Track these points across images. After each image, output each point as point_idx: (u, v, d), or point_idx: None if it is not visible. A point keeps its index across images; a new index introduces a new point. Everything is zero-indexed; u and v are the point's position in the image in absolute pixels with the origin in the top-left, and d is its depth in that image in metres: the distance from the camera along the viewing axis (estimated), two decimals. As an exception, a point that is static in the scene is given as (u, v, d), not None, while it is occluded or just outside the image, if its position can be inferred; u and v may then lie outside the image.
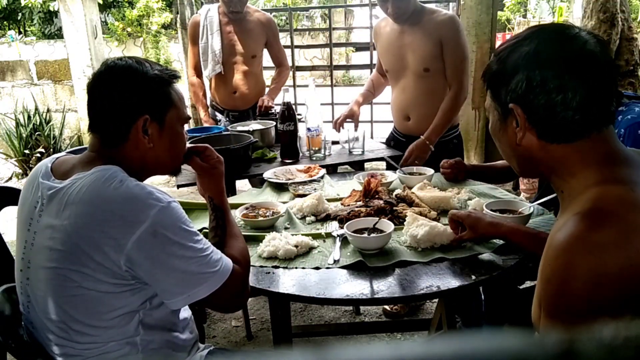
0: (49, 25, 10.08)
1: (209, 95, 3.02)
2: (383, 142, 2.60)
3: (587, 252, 0.71)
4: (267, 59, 3.07)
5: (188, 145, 1.29)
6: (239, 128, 2.56)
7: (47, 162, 1.15)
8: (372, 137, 4.22)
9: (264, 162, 2.31)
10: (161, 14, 8.36)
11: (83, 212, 1.00)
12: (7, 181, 5.19)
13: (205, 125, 2.84)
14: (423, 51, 2.23)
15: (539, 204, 1.58)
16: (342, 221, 1.52)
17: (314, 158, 2.31)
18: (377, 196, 1.66)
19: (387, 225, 1.40)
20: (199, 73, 2.93)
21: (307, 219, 1.62)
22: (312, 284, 1.24)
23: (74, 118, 5.55)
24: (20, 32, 9.88)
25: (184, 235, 1.03)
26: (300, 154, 2.35)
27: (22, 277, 1.12)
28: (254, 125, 2.61)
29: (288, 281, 1.26)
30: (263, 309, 2.57)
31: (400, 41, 2.27)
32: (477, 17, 4.03)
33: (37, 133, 5.16)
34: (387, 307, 2.45)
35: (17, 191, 1.36)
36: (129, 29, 8.68)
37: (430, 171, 1.91)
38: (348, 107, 2.49)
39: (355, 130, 2.39)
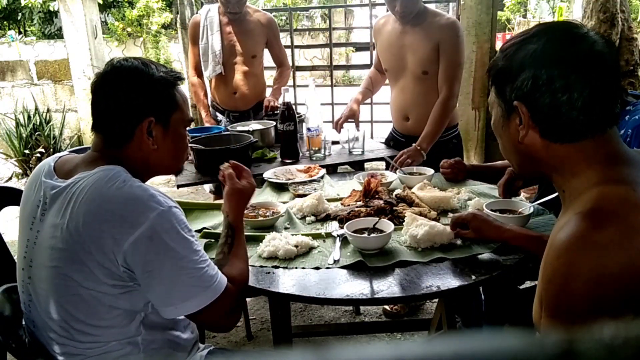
0: (49, 25, 10.08)
1: (209, 95, 3.02)
2: (383, 142, 2.61)
3: (588, 252, 0.71)
4: (267, 59, 3.06)
5: (233, 162, 1.32)
6: (239, 128, 2.56)
7: (49, 161, 1.15)
8: (372, 137, 4.22)
9: (264, 162, 2.31)
10: (161, 14, 8.37)
11: (85, 211, 1.00)
12: (7, 181, 5.19)
13: (207, 125, 2.84)
14: (422, 54, 2.23)
15: (539, 204, 1.58)
16: (342, 221, 1.52)
17: (314, 158, 2.31)
18: (377, 196, 1.66)
19: (387, 225, 1.40)
20: (199, 73, 2.93)
21: (307, 219, 1.62)
22: (312, 284, 1.24)
23: (74, 118, 5.55)
24: (20, 32, 9.89)
25: (182, 243, 1.02)
26: (300, 154, 2.35)
27: (24, 276, 1.12)
28: (254, 125, 2.62)
29: (288, 281, 1.26)
30: (263, 309, 2.57)
31: (401, 41, 2.27)
32: (477, 17, 4.03)
33: (37, 133, 5.16)
34: (387, 307, 2.45)
35: (17, 191, 1.36)
36: (129, 29, 8.68)
37: (430, 171, 1.91)
38: (348, 106, 2.45)
39: (357, 129, 2.38)
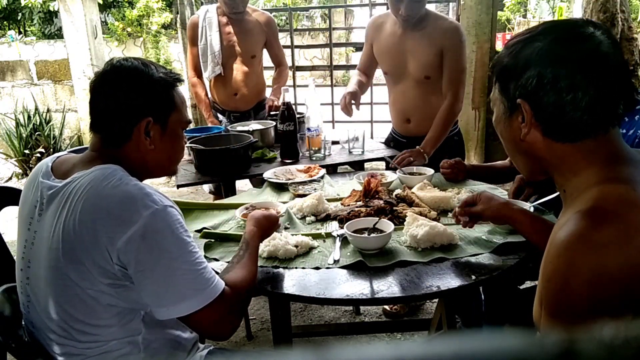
0: (49, 25, 10.07)
1: (209, 96, 3.02)
2: (383, 142, 2.60)
3: (588, 251, 0.71)
4: (266, 59, 3.06)
5: (277, 209, 1.41)
6: (239, 128, 2.56)
7: (47, 161, 1.16)
8: (372, 137, 4.22)
9: (264, 162, 2.31)
10: (161, 14, 8.36)
11: (81, 209, 1.00)
12: (7, 181, 5.19)
13: (209, 124, 2.83)
14: (425, 59, 2.22)
15: (539, 204, 1.58)
16: (342, 221, 1.52)
17: (314, 158, 2.31)
18: (377, 196, 1.66)
19: (387, 225, 1.40)
20: (199, 74, 2.92)
21: (307, 219, 1.62)
22: (312, 284, 1.24)
23: (74, 118, 5.55)
24: (20, 32, 9.88)
25: (176, 243, 1.00)
26: (300, 154, 2.35)
27: (22, 277, 1.12)
28: (254, 125, 2.61)
29: (288, 281, 1.26)
30: (263, 309, 2.57)
31: (402, 45, 2.24)
32: (477, 17, 4.03)
33: (37, 133, 5.16)
34: (387, 307, 2.45)
35: (17, 191, 1.36)
36: (129, 29, 8.67)
37: (430, 171, 1.91)
38: (349, 88, 2.30)
39: (357, 108, 2.32)
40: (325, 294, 1.19)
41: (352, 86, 2.32)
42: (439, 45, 2.19)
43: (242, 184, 3.45)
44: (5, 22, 9.97)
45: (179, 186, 2.10)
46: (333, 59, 4.73)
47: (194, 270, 1.01)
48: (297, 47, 4.80)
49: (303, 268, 1.31)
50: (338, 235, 1.44)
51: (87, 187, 1.01)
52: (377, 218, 1.45)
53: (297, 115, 2.42)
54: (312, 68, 6.69)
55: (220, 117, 2.98)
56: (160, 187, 4.43)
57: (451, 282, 1.21)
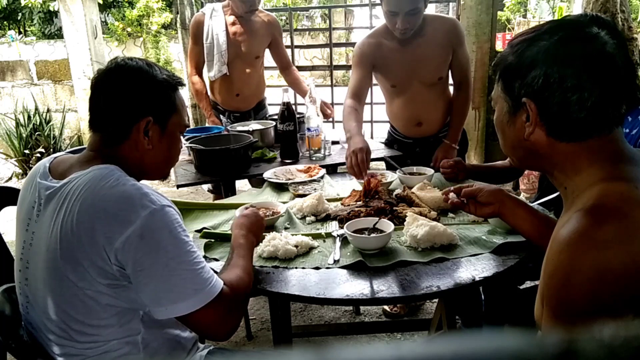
0: (49, 25, 10.07)
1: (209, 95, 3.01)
2: (383, 142, 2.60)
3: (590, 248, 0.72)
4: (267, 60, 3.05)
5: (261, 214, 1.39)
6: (239, 128, 2.56)
7: (45, 162, 1.16)
8: (372, 137, 4.22)
9: (263, 162, 2.31)
10: (161, 14, 8.35)
11: (79, 209, 1.00)
12: (7, 181, 5.19)
13: (210, 124, 2.81)
14: (437, 63, 2.23)
15: (539, 204, 1.58)
16: (342, 221, 1.52)
17: (314, 158, 2.31)
18: (377, 196, 1.66)
19: (387, 225, 1.40)
20: (199, 72, 2.90)
21: (307, 219, 1.62)
22: (312, 284, 1.24)
23: (74, 118, 5.55)
24: (20, 32, 9.88)
25: (173, 243, 1.00)
26: (300, 154, 2.35)
27: (21, 278, 1.12)
28: (254, 125, 2.61)
29: (288, 281, 1.26)
30: (263, 309, 2.57)
31: (408, 56, 2.20)
32: (477, 17, 4.03)
33: (37, 133, 5.16)
34: (387, 307, 2.45)
35: (17, 191, 1.36)
36: (129, 29, 8.67)
37: (430, 171, 1.91)
38: (357, 144, 1.90)
39: (368, 168, 1.94)
40: (325, 294, 1.19)
41: (354, 128, 2.01)
42: (449, 46, 2.21)
43: (242, 184, 3.45)
44: (5, 22, 9.97)
45: (178, 186, 2.10)
46: (333, 59, 4.73)
47: (193, 270, 1.01)
48: (297, 47, 4.80)
49: (303, 268, 1.31)
50: (338, 235, 1.44)
51: (85, 187, 1.01)
52: (377, 218, 1.45)
53: (297, 115, 2.42)
54: (312, 68, 6.68)
55: (221, 117, 2.97)
56: (160, 187, 4.43)
57: (451, 282, 1.21)
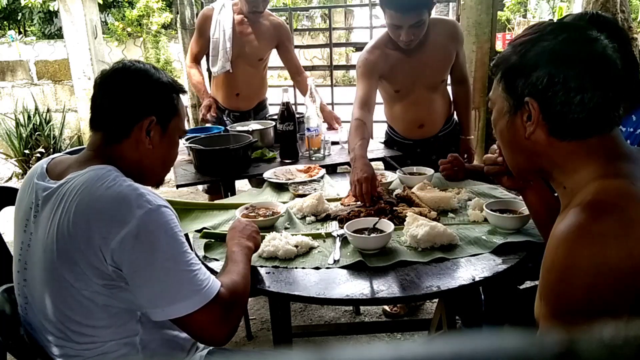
0: (49, 25, 10.07)
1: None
2: (382, 142, 2.60)
3: (588, 242, 0.73)
4: (270, 60, 3.04)
5: (253, 223, 1.38)
6: (239, 128, 2.56)
7: (42, 163, 1.16)
8: (372, 137, 4.21)
9: (263, 162, 2.31)
10: (161, 14, 8.36)
11: (75, 210, 0.99)
12: (7, 181, 5.19)
13: (209, 114, 2.73)
14: (442, 66, 2.24)
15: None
16: (342, 221, 1.52)
17: (314, 158, 2.31)
18: (374, 197, 1.65)
19: (387, 225, 1.40)
20: (198, 63, 2.89)
21: (307, 219, 1.62)
22: (312, 284, 1.24)
23: (74, 118, 5.55)
24: (20, 32, 9.88)
25: (169, 243, 0.99)
26: (300, 154, 2.35)
27: (20, 279, 1.12)
28: (254, 125, 2.61)
29: (288, 281, 1.26)
30: (263, 309, 2.57)
31: (413, 62, 2.17)
32: (477, 17, 4.03)
33: (37, 133, 5.16)
34: (387, 307, 2.45)
35: (17, 191, 1.36)
36: (129, 29, 8.68)
37: (430, 171, 1.91)
38: (360, 172, 1.70)
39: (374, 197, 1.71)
40: (325, 294, 1.19)
41: (358, 148, 1.87)
42: (453, 49, 2.23)
43: (242, 184, 3.45)
44: (5, 22, 9.97)
45: (178, 186, 2.10)
46: (333, 59, 4.73)
47: (189, 271, 1.00)
48: (297, 47, 4.79)
49: (303, 268, 1.31)
50: (338, 235, 1.44)
51: (81, 188, 1.01)
52: (377, 218, 1.45)
53: (297, 115, 2.42)
54: (312, 68, 6.68)
55: (219, 114, 2.96)
56: (160, 187, 4.43)
57: (451, 282, 1.21)
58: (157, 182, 1.27)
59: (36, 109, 5.27)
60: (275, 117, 2.61)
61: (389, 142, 2.53)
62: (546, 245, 0.79)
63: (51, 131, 5.23)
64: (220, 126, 2.71)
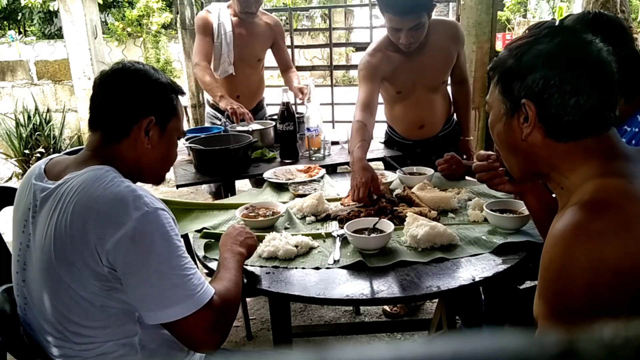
0: (49, 25, 10.07)
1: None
2: (382, 142, 2.60)
3: (585, 240, 0.73)
4: (267, 60, 3.04)
5: (251, 232, 1.35)
6: (239, 128, 2.56)
7: (40, 163, 1.16)
8: (372, 138, 4.21)
9: (263, 162, 2.31)
10: (161, 14, 8.37)
11: (73, 210, 0.99)
12: (7, 181, 5.19)
13: (229, 107, 2.59)
14: (443, 67, 2.24)
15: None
16: (342, 221, 1.52)
17: (314, 158, 2.31)
18: (378, 197, 1.66)
19: (387, 225, 1.40)
20: (209, 61, 2.78)
21: (307, 219, 1.62)
22: (312, 284, 1.24)
23: (74, 118, 5.55)
24: (20, 32, 9.88)
25: (164, 246, 0.99)
26: (300, 154, 2.35)
27: (19, 279, 1.12)
28: (254, 125, 2.61)
29: (288, 281, 1.26)
30: (263, 309, 2.57)
31: (415, 63, 2.17)
32: (477, 17, 4.03)
33: (37, 133, 5.16)
34: (387, 307, 2.45)
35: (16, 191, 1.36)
36: (129, 29, 8.68)
37: (430, 171, 1.91)
38: (359, 176, 1.69)
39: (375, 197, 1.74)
40: (325, 294, 1.19)
41: (357, 151, 1.85)
42: (454, 50, 2.22)
43: (242, 184, 3.45)
44: (5, 22, 9.97)
45: (178, 186, 2.10)
46: (333, 59, 4.73)
47: (183, 275, 1.00)
48: (297, 47, 4.80)
49: (303, 268, 1.31)
50: (338, 235, 1.44)
51: (79, 188, 1.01)
52: (377, 218, 1.45)
53: (297, 115, 2.42)
54: (312, 68, 6.68)
55: (220, 116, 2.96)
56: (160, 187, 4.43)
57: (451, 282, 1.21)
58: (157, 181, 1.27)
59: (36, 109, 5.27)
60: (275, 117, 2.61)
61: (388, 143, 2.52)
62: (544, 244, 0.79)
63: (51, 131, 5.23)
64: (220, 126, 2.71)
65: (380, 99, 2.40)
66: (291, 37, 4.54)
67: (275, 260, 1.35)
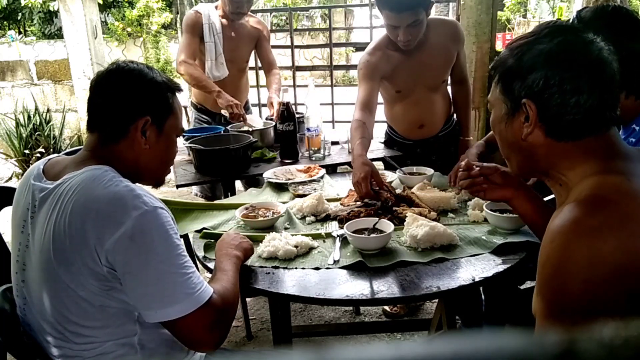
0: (49, 25, 10.07)
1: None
2: (382, 142, 2.59)
3: (583, 236, 0.73)
4: (251, 61, 3.04)
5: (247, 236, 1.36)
6: (245, 128, 2.55)
7: (39, 164, 1.16)
8: (372, 137, 4.21)
9: (263, 162, 2.31)
10: (161, 14, 8.36)
11: (71, 210, 0.99)
12: (7, 181, 5.19)
13: (227, 102, 2.56)
14: (443, 66, 2.24)
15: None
16: (342, 221, 1.52)
17: (314, 158, 2.31)
18: (381, 190, 1.66)
19: (387, 225, 1.40)
20: (194, 60, 2.73)
21: (307, 219, 1.62)
22: (312, 284, 1.24)
23: (74, 118, 5.55)
24: (20, 32, 9.88)
25: (163, 245, 0.99)
26: (300, 154, 2.35)
27: (18, 280, 1.12)
28: (256, 121, 2.61)
29: (288, 281, 1.26)
30: (263, 309, 2.57)
31: (414, 62, 2.16)
32: (477, 17, 4.03)
33: (37, 133, 5.16)
34: (387, 308, 2.45)
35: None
36: (129, 29, 8.68)
37: (430, 171, 1.91)
38: (359, 172, 1.68)
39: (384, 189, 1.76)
40: (325, 294, 1.19)
41: (357, 147, 1.85)
42: (454, 50, 2.22)
43: (237, 185, 3.44)
44: (5, 22, 9.97)
45: (178, 186, 2.10)
46: (333, 59, 4.73)
47: (183, 274, 1.00)
48: (297, 47, 4.80)
49: (303, 268, 1.31)
50: (338, 236, 1.44)
51: (78, 188, 1.01)
52: (377, 218, 1.45)
53: (297, 115, 2.42)
54: (312, 68, 6.69)
55: (210, 120, 2.95)
56: (161, 187, 4.42)
57: (451, 282, 1.21)
58: (157, 182, 1.26)
59: (36, 109, 5.27)
60: (273, 117, 2.61)
61: (388, 142, 2.52)
62: (542, 241, 0.80)
63: (51, 131, 5.23)
64: (220, 126, 2.71)
65: (380, 99, 2.39)
66: (291, 37, 4.54)
67: (275, 260, 1.35)
